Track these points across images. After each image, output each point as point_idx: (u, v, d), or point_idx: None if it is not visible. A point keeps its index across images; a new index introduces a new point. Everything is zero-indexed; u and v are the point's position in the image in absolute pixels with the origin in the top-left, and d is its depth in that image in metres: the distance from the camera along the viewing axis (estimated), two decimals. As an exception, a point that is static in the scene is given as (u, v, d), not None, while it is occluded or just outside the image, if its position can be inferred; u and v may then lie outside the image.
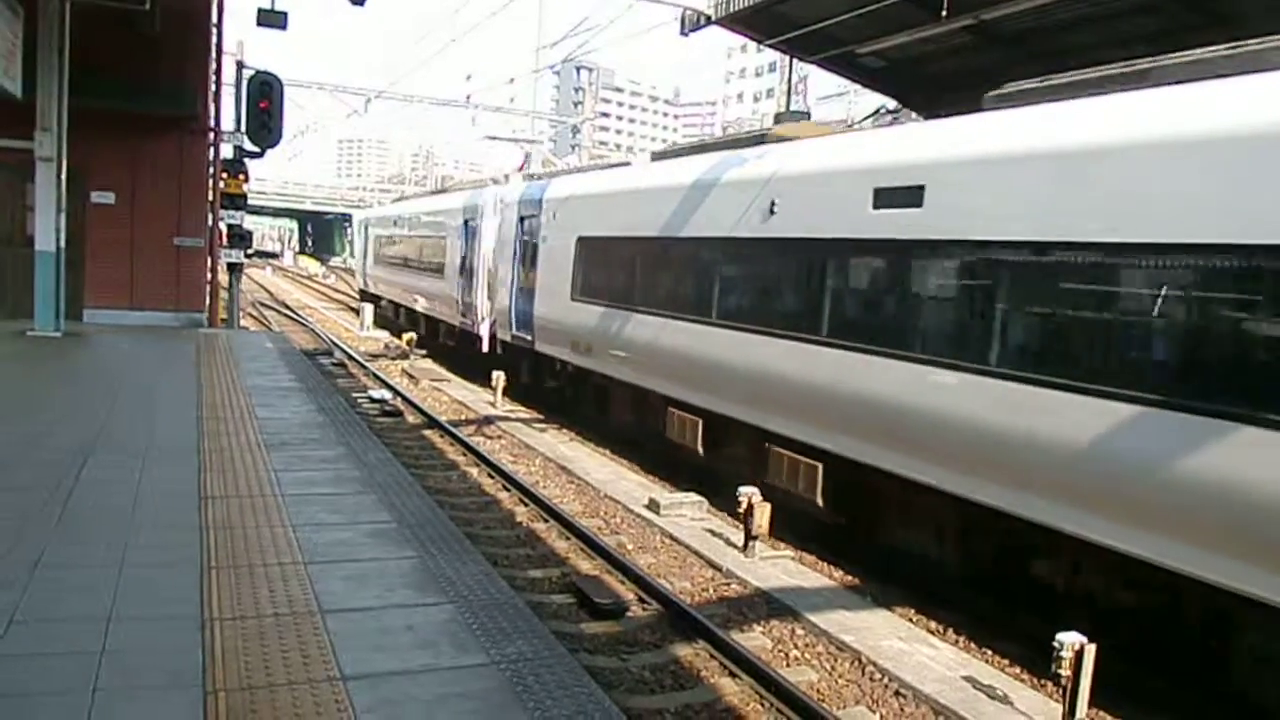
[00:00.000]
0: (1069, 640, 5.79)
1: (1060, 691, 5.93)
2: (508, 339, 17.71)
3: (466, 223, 20.55)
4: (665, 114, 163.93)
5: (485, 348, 19.03)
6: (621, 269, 13.12)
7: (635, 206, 12.78)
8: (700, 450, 11.31)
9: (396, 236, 28.99)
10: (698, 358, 10.77)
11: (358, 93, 38.85)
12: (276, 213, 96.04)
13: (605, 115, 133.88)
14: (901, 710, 6.34)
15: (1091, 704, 5.95)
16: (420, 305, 25.19)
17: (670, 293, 11.70)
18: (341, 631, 4.46)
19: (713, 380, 10.50)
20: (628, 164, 17.40)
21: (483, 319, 18.95)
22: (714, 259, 10.75)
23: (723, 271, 10.61)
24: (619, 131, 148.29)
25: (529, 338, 16.51)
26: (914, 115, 15.38)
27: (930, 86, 14.10)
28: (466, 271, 20.20)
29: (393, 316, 30.42)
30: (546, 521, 10.18)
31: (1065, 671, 5.80)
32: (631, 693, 6.44)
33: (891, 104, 16.19)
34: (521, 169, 26.28)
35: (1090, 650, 5.79)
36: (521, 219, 17.20)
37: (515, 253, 17.28)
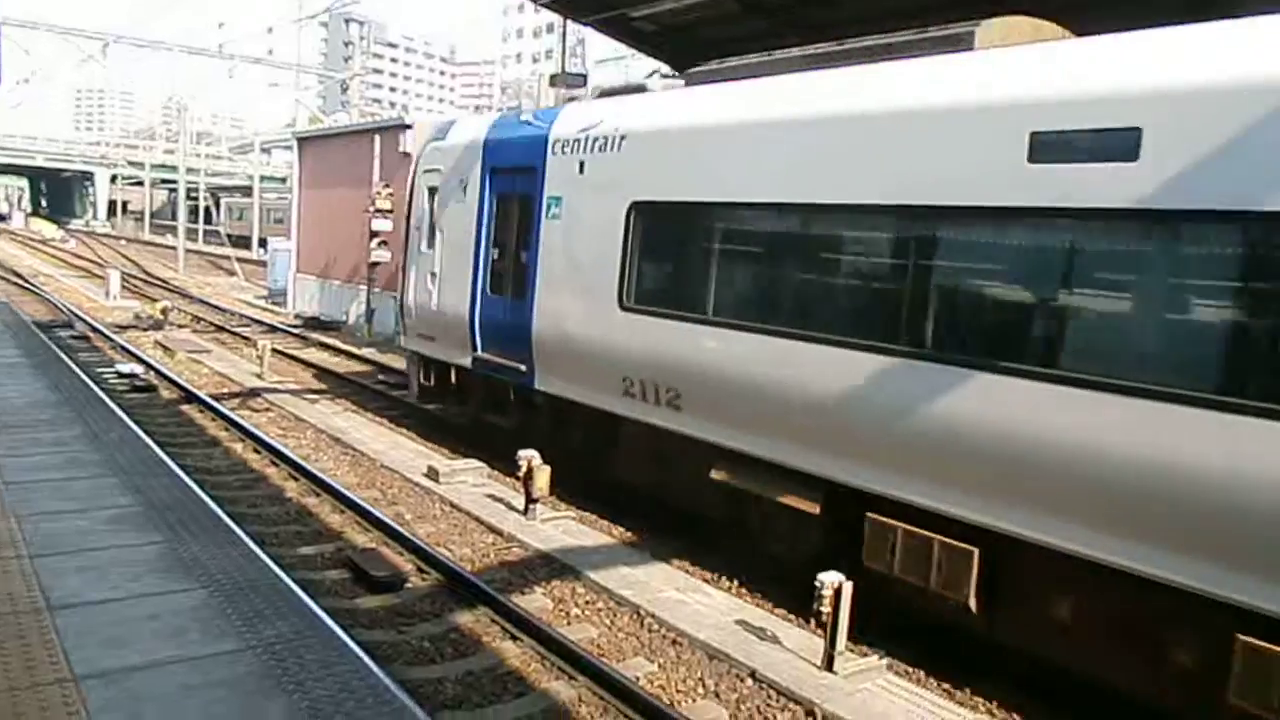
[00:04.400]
0: (829, 580, 6.16)
1: (822, 628, 6.31)
2: None
3: None
4: (442, 72, 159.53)
5: None
6: None
7: None
8: None
9: None
10: None
11: (93, 37, 35.13)
12: (1, 169, 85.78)
13: (378, 71, 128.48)
14: (678, 658, 6.55)
15: (850, 637, 6.38)
16: None
17: None
18: (74, 628, 4.05)
19: None
20: None
21: None
22: None
23: None
24: (393, 89, 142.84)
25: None
26: (684, 82, 15.72)
27: (702, 52, 14.41)
28: None
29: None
30: (319, 496, 9.73)
31: (826, 609, 6.17)
32: (410, 664, 6.29)
33: (665, 69, 16.46)
34: None
35: (848, 588, 6.18)
36: None
37: None
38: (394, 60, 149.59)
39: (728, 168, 7.83)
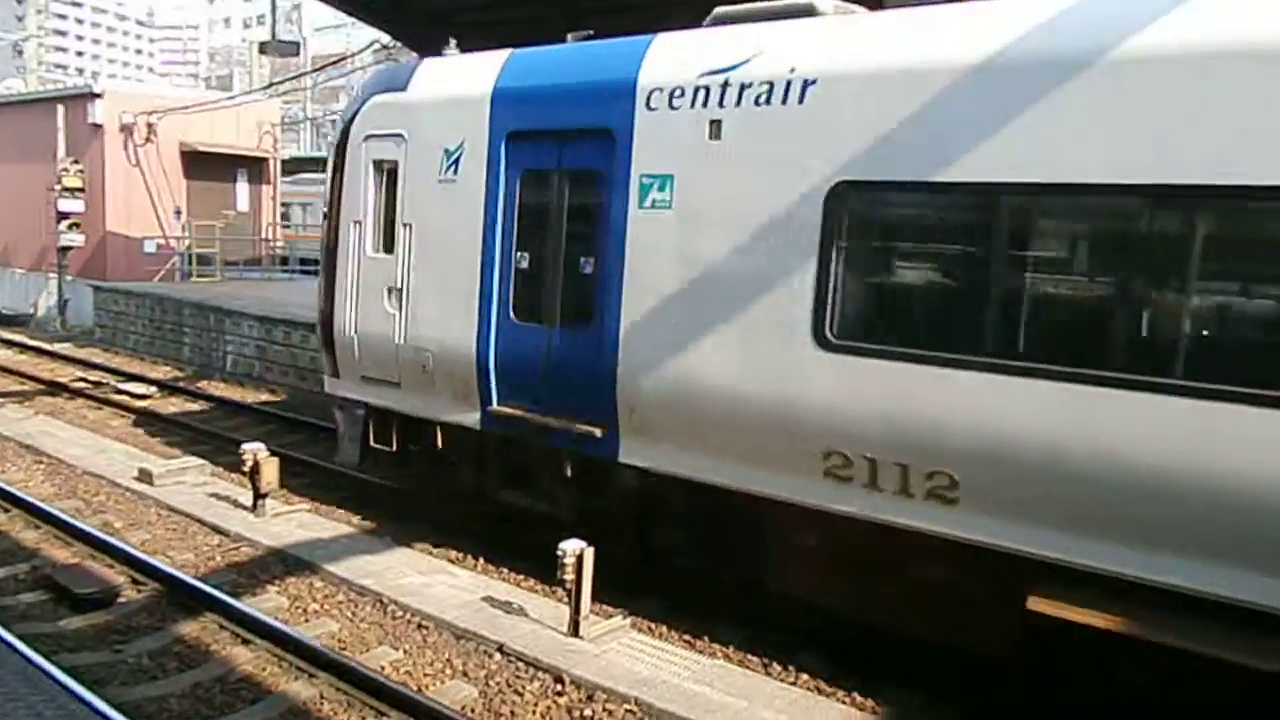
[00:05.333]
0: (570, 547, 6.28)
1: (568, 595, 6.43)
2: None
3: None
4: (139, 36, 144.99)
5: None
6: None
7: None
8: None
9: None
10: None
11: None
12: None
13: (60, 34, 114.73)
14: (425, 641, 6.44)
15: (595, 600, 6.55)
16: None
17: None
18: None
19: None
20: None
21: None
22: None
23: None
24: (80, 54, 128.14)
25: None
26: (413, 53, 15.25)
27: (423, 21, 14.07)
28: None
29: None
30: (7, 511, 8.67)
31: (570, 576, 6.30)
32: (128, 684, 5.80)
33: (385, 38, 15.91)
34: None
35: (589, 553, 6.33)
36: None
37: None
38: (80, 22, 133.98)
39: (1087, 133, 4.95)
